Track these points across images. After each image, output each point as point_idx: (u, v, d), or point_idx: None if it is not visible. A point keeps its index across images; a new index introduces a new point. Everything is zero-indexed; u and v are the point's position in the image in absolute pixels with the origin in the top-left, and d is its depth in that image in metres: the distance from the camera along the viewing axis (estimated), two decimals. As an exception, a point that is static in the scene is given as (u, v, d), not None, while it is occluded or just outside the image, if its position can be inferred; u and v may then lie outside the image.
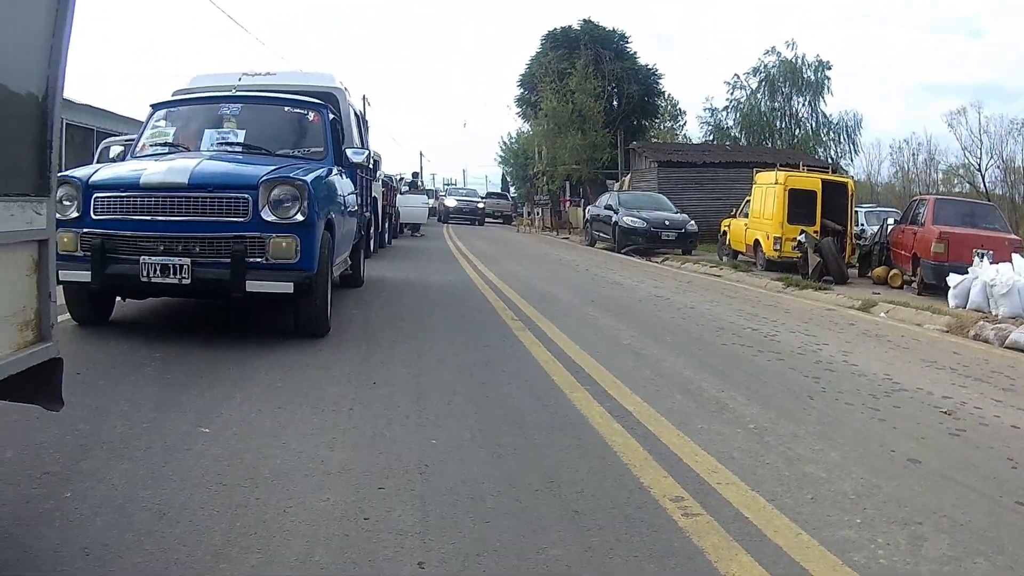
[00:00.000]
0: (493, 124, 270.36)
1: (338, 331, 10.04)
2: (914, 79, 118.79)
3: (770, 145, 56.98)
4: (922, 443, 6.59)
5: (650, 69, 58.47)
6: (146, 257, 8.84)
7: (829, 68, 57.20)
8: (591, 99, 51.40)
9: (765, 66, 57.65)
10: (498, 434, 6.15)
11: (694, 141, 67.57)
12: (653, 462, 5.64)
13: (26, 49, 4.13)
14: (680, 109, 69.40)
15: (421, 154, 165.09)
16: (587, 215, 38.81)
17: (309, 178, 9.42)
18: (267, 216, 8.93)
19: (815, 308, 15.51)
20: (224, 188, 9.04)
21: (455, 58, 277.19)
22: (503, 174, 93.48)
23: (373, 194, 20.00)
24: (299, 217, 9.01)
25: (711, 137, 61.24)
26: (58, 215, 8.44)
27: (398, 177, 42.08)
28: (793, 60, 56.95)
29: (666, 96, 62.00)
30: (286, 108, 12.27)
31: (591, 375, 8.33)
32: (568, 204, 56.46)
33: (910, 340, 12.21)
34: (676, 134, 71.88)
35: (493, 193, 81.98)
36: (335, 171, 11.70)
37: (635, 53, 58.58)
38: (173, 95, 14.44)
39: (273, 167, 9.68)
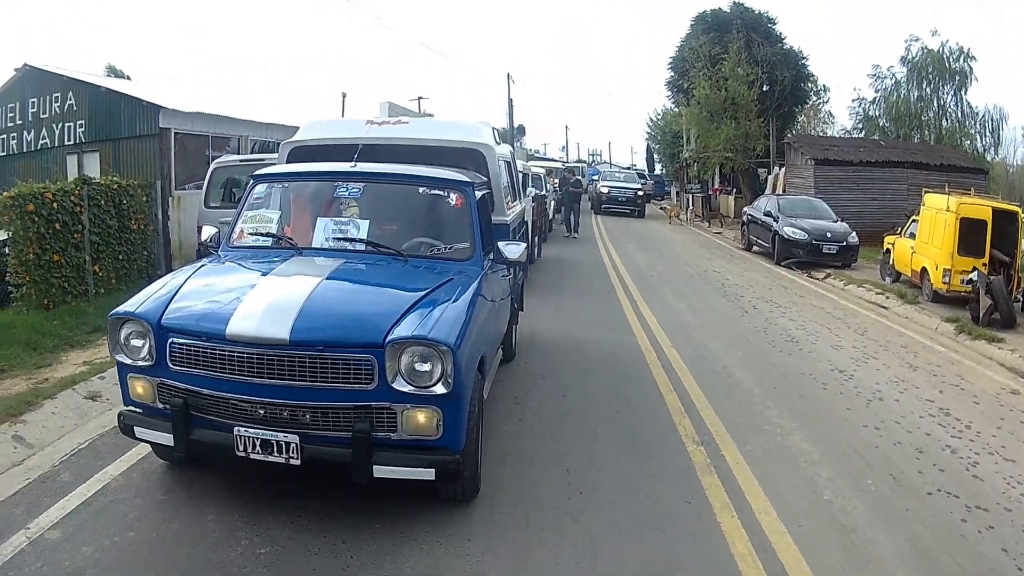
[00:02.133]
0: (639, 94, 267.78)
1: (489, 480, 8.39)
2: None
3: (918, 138, 53.94)
4: None
5: (798, 53, 55.35)
6: (242, 428, 7.05)
7: (973, 59, 54.14)
8: (744, 86, 49.31)
9: (911, 56, 55.00)
10: None
11: (838, 122, 65.75)
12: None
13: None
14: (824, 86, 66.55)
15: (567, 128, 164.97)
16: (744, 216, 36.85)
17: (453, 333, 7.15)
18: (399, 386, 6.91)
19: (1001, 392, 13.59)
20: (338, 347, 6.94)
21: (602, 31, 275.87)
22: (648, 147, 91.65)
23: (524, 219, 17.57)
24: (440, 389, 6.91)
25: (860, 126, 58.89)
26: (128, 358, 7.46)
27: (543, 172, 39.00)
28: (939, 50, 54.15)
29: (814, 79, 59.32)
30: (420, 190, 9.76)
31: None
32: (719, 193, 55.00)
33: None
34: (819, 111, 69.68)
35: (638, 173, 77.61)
36: (484, 278, 9.15)
37: (783, 36, 55.62)
38: (283, 147, 12.37)
39: (403, 303, 7.53)
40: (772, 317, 19.32)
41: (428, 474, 7.05)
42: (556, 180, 41.93)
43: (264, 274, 8.17)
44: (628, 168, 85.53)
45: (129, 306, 7.55)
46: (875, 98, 57.07)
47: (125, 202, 17.65)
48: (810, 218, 30.93)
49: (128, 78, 53.54)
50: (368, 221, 9.36)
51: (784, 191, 42.08)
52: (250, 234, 9.65)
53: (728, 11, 55.96)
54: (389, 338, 6.95)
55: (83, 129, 24.53)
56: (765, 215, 32.80)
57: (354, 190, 9.66)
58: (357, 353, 6.94)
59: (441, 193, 9.75)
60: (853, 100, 64.52)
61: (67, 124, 24.69)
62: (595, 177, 69.69)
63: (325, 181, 9.95)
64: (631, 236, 40.13)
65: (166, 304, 7.52)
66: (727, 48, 50.64)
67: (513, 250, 9.92)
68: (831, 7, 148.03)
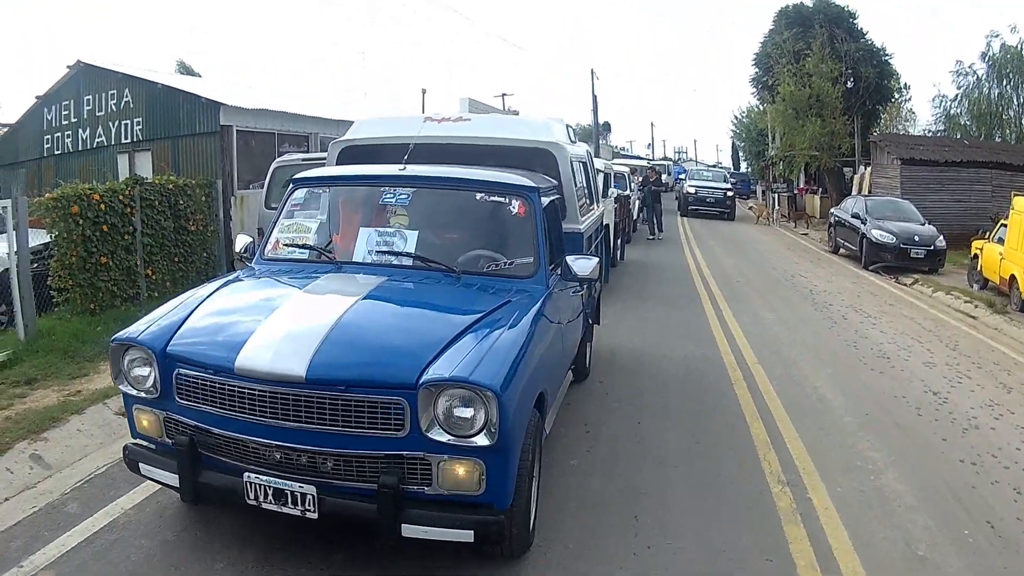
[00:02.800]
0: (724, 92, 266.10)
1: (546, 526, 7.25)
2: None
3: (999, 137, 51.31)
4: None
5: (881, 50, 53.21)
6: (253, 473, 5.99)
7: (1049, 55, 51.56)
8: (828, 83, 47.82)
9: (992, 52, 52.45)
10: None
11: (919, 120, 63.66)
12: None
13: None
14: (904, 84, 64.19)
15: (652, 125, 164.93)
16: (831, 218, 35.34)
17: (501, 373, 5.88)
18: (436, 435, 5.72)
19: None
20: (363, 387, 5.77)
21: (685, 26, 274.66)
22: (733, 145, 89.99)
23: (604, 221, 16.50)
24: (484, 440, 5.70)
25: (941, 125, 56.61)
26: (132, 388, 6.48)
27: (627, 171, 36.71)
28: (1017, 46, 51.39)
29: (896, 77, 57.01)
30: (478, 196, 8.36)
31: None
32: (805, 192, 53.44)
33: None
34: (901, 110, 67.20)
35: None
36: (548, 299, 7.80)
37: (866, 32, 53.39)
38: (332, 147, 11.16)
39: (447, 333, 6.32)
40: (863, 329, 17.91)
41: (466, 536, 5.84)
42: (640, 179, 40.35)
43: (290, 295, 7.14)
44: (714, 166, 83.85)
45: (133, 330, 6.56)
46: (957, 96, 54.45)
47: (182, 202, 16.81)
48: (897, 220, 29.56)
49: (199, 75, 52.80)
50: (417, 232, 8.15)
51: (870, 191, 40.60)
52: (286, 245, 8.53)
53: (810, 6, 54.07)
54: (424, 378, 5.74)
55: (140, 127, 23.98)
56: (853, 217, 31.38)
57: (402, 196, 8.38)
58: (386, 395, 5.77)
59: (501, 200, 8.37)
60: (934, 97, 62.29)
61: (123, 122, 24.15)
62: (681, 176, 66.94)
63: (370, 186, 8.74)
64: (717, 237, 38.72)
65: (175, 328, 6.51)
66: (810, 44, 49.18)
67: (583, 266, 8.64)
68: (911, 2, 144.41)
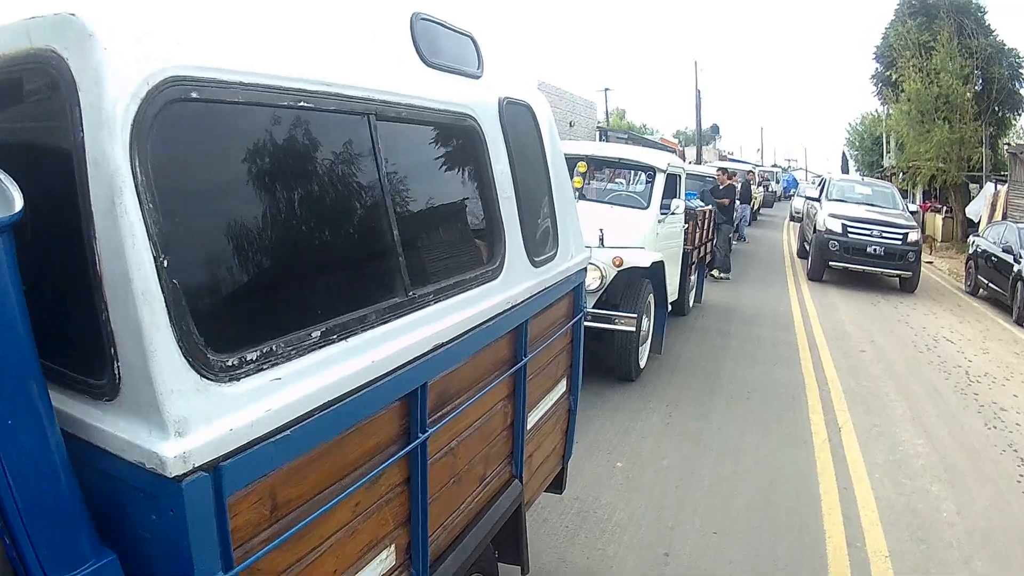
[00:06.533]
0: (835, 102, 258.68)
1: None
2: None
3: None
4: None
5: (1013, 50, 43.56)
6: None
7: None
8: (958, 82, 39.36)
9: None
10: None
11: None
12: None
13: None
14: (1024, 94, 54.51)
15: (762, 130, 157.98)
16: (972, 247, 26.09)
17: None
18: None
19: None
20: None
21: (798, 30, 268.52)
22: (844, 154, 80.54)
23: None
24: None
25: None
26: None
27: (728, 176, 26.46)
28: None
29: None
30: None
31: None
32: (927, 210, 44.13)
33: None
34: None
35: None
36: None
37: (994, 29, 44.05)
38: None
39: None
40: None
41: None
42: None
43: None
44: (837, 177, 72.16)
45: None
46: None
47: None
48: (1046, 259, 21.09)
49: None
50: None
51: (1005, 214, 31.93)
52: None
53: (935, -8, 45.20)
54: None
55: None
56: (1003, 250, 22.69)
57: None
58: None
59: None
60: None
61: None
62: (792, 192, 52.39)
63: None
64: (831, 271, 26.23)
65: None
66: (936, 37, 40.87)
67: None
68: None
